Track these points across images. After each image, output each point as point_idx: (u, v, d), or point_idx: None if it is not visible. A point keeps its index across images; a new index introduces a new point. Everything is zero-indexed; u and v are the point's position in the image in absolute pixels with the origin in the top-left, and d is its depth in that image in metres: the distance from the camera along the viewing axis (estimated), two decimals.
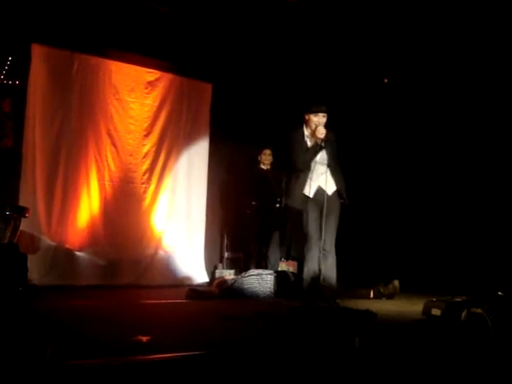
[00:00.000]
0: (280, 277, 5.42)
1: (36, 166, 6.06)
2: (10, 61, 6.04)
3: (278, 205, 6.95)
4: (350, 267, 6.70)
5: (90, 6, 6.09)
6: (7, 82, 6.05)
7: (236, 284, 5.31)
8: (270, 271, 5.56)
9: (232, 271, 6.95)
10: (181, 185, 7.03)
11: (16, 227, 5.29)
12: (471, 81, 6.53)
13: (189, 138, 7.10)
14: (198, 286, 6.57)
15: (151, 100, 6.87)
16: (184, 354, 2.54)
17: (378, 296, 5.68)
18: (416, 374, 2.75)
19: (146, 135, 6.80)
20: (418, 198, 7.19)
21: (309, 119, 5.00)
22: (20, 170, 5.97)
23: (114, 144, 6.56)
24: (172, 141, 6.98)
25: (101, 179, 6.46)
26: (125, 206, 6.54)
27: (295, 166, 5.02)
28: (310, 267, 4.93)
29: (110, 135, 6.54)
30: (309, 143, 5.03)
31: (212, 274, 7.02)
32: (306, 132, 5.06)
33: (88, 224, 6.34)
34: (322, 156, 4.94)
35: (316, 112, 4.98)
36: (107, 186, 6.49)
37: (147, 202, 6.76)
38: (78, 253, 6.21)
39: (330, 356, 2.78)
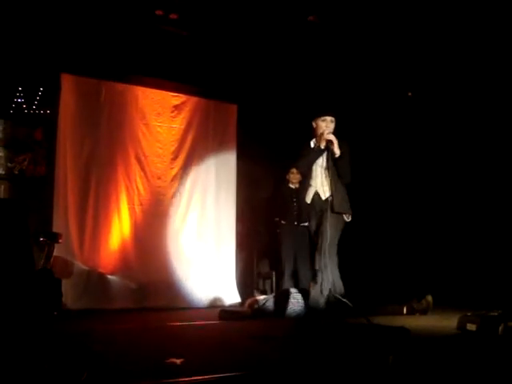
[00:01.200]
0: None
1: (68, 193, 6.18)
2: (40, 91, 6.22)
3: (307, 223, 6.93)
4: (382, 283, 6.65)
5: (115, 35, 6.25)
6: (39, 111, 6.23)
7: (268, 304, 5.29)
8: (301, 290, 5.52)
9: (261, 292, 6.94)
10: (210, 206, 7.08)
11: (50, 253, 5.39)
12: (477, 86, 6.52)
13: (216, 160, 7.16)
14: (230, 306, 6.56)
15: (178, 123, 6.98)
16: (217, 375, 2.54)
17: (411, 312, 5.60)
18: None
19: (174, 158, 6.89)
20: (447, 211, 7.10)
21: (317, 126, 4.76)
22: (53, 196, 6.09)
23: (142, 168, 6.66)
24: (199, 163, 7.05)
25: (131, 203, 6.55)
26: (155, 228, 6.61)
27: (298, 171, 4.96)
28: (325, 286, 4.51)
29: (138, 159, 6.64)
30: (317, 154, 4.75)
31: (246, 295, 6.97)
32: (314, 140, 4.77)
33: (119, 248, 6.41)
34: (323, 160, 4.68)
35: (323, 116, 4.73)
36: (137, 210, 6.57)
37: (177, 224, 6.82)
38: (110, 276, 6.28)
39: (364, 373, 2.75)
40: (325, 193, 4.62)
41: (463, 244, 6.83)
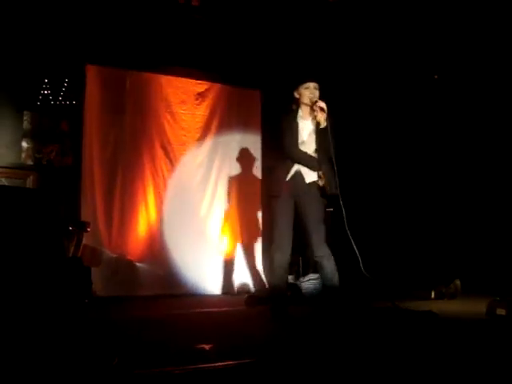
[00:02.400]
0: None
1: (95, 182, 6.26)
2: (66, 83, 6.29)
3: (331, 208, 6.90)
4: (410, 268, 6.61)
5: (138, 25, 6.28)
6: (65, 102, 6.30)
7: (294, 289, 5.31)
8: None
9: (291, 276, 6.94)
10: (235, 192, 7.10)
11: (79, 241, 5.48)
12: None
13: (241, 146, 7.16)
14: (257, 292, 6.60)
15: (202, 111, 7.00)
16: (245, 361, 2.57)
17: (439, 296, 5.57)
18: (483, 375, 2.69)
19: (199, 146, 6.92)
20: (474, 196, 7.01)
21: (300, 95, 4.29)
22: (80, 186, 6.17)
23: (168, 156, 6.70)
24: (224, 150, 7.06)
25: (157, 191, 6.60)
26: (181, 215, 6.65)
27: (285, 151, 4.24)
28: (278, 275, 4.22)
29: (163, 148, 6.69)
30: (302, 124, 4.29)
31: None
32: (301, 112, 4.32)
33: (146, 235, 6.48)
34: (311, 138, 4.25)
35: (306, 83, 4.28)
36: (163, 198, 6.63)
37: (203, 211, 6.86)
38: (138, 264, 6.36)
39: (389, 357, 2.75)
40: (310, 177, 4.19)
41: (492, 228, 6.75)
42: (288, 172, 4.18)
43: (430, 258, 7.00)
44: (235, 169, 7.11)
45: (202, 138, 6.96)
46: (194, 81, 6.98)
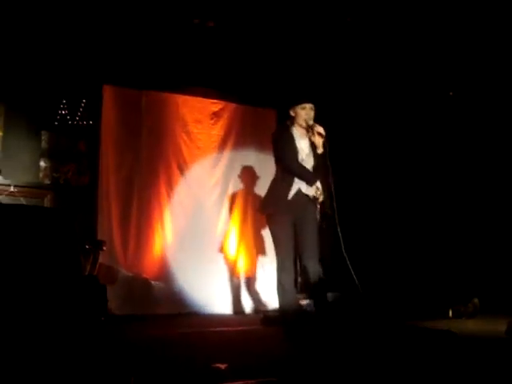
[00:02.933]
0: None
1: (111, 201, 6.30)
2: (83, 103, 6.39)
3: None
4: (427, 286, 6.53)
5: (154, 45, 6.37)
6: (82, 123, 6.39)
7: (310, 308, 5.27)
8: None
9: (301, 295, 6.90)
10: (251, 211, 7.09)
11: (95, 260, 5.51)
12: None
13: (256, 166, 7.16)
14: (273, 311, 6.56)
15: (217, 130, 7.04)
16: (260, 380, 2.55)
17: (457, 315, 5.49)
18: None
19: (214, 165, 6.95)
20: (492, 212, 6.94)
21: (296, 115, 4.32)
22: (96, 205, 6.22)
23: (183, 175, 6.73)
24: (240, 169, 7.08)
25: (173, 210, 6.62)
26: (197, 235, 6.66)
27: (285, 164, 4.31)
28: (287, 295, 4.19)
29: (179, 167, 6.72)
30: (298, 143, 4.32)
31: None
32: (296, 131, 4.36)
33: (162, 254, 6.49)
34: (308, 158, 4.28)
35: (302, 103, 4.30)
36: (179, 217, 6.65)
37: (219, 230, 6.86)
38: (153, 282, 6.36)
39: (408, 377, 2.72)
40: (310, 193, 4.22)
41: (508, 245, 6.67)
42: (289, 189, 4.19)
43: (447, 275, 6.92)
44: (251, 188, 7.12)
45: (218, 157, 7.00)
46: (209, 100, 7.03)
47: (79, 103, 6.39)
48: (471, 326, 4.79)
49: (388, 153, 7.47)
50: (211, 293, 6.57)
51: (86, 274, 5.25)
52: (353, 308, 5.06)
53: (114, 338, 4.26)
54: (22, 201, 5.67)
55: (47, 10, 5.73)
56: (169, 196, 6.63)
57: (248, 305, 6.76)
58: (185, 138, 6.81)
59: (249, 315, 6.42)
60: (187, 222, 6.67)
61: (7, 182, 5.66)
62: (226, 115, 7.11)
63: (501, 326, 4.11)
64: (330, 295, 5.35)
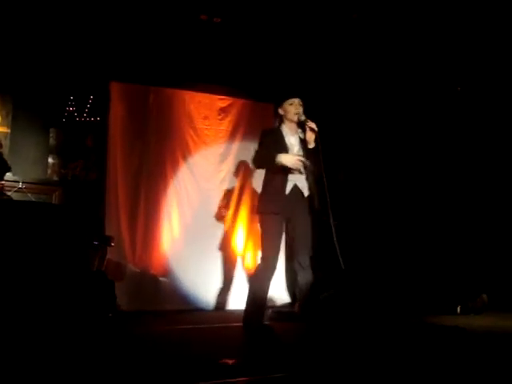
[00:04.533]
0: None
1: (119, 197, 6.31)
2: (91, 100, 6.41)
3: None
4: (435, 282, 6.51)
5: (161, 42, 6.37)
6: (89, 119, 6.41)
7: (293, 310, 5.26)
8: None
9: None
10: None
11: (103, 256, 5.53)
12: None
13: None
14: (281, 307, 6.56)
15: (225, 126, 7.04)
16: (268, 376, 2.56)
17: (465, 311, 5.47)
18: None
19: (222, 161, 6.95)
20: (500, 208, 6.91)
21: (285, 112, 4.21)
22: (104, 200, 6.24)
23: (191, 171, 6.74)
24: (247, 165, 7.07)
25: (180, 206, 6.64)
26: (205, 230, 6.66)
27: (255, 165, 4.35)
28: (257, 293, 4.12)
29: (187, 163, 6.73)
30: (288, 139, 4.22)
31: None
32: (286, 128, 4.26)
33: (170, 250, 6.50)
34: (300, 153, 4.17)
35: (290, 99, 4.20)
36: (187, 212, 6.66)
37: (226, 226, 6.86)
38: (161, 278, 6.38)
39: (418, 373, 2.71)
40: (306, 191, 4.11)
41: None
42: (284, 187, 4.07)
43: (456, 271, 6.90)
44: (258, 184, 7.11)
45: (225, 153, 7.00)
46: (216, 96, 7.03)
47: (87, 100, 6.41)
48: (479, 321, 4.76)
49: (393, 148, 7.44)
50: (219, 288, 6.59)
51: (95, 269, 5.27)
52: (347, 305, 5.02)
53: (123, 333, 4.28)
54: (31, 197, 5.70)
55: (54, 8, 5.74)
56: (176, 192, 6.64)
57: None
58: (192, 133, 6.81)
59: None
60: (195, 218, 6.67)
61: (16, 178, 5.69)
62: (233, 111, 7.10)
63: (510, 322, 4.09)
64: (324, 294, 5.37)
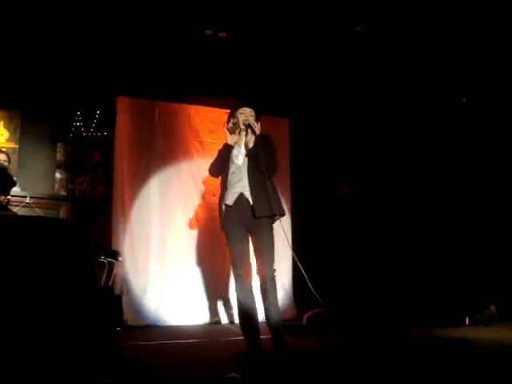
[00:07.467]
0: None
1: (125, 211, 6.33)
2: (98, 114, 6.46)
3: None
4: (443, 293, 6.49)
5: (167, 57, 6.44)
6: (96, 134, 6.46)
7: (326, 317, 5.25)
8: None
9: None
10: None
11: (110, 271, 5.55)
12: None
13: None
14: (288, 320, 6.53)
15: None
16: None
17: (473, 323, 5.44)
18: None
19: None
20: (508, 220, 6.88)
21: (236, 120, 4.32)
22: (111, 215, 6.26)
23: (197, 185, 6.75)
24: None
25: (186, 220, 6.64)
26: (211, 244, 6.64)
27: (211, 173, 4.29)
28: (243, 305, 4.06)
29: (193, 177, 6.74)
30: (235, 152, 4.20)
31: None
32: (233, 134, 4.32)
33: (177, 264, 6.50)
34: (246, 163, 4.10)
35: (241, 108, 4.33)
36: (193, 226, 6.67)
37: None
38: (168, 293, 6.37)
39: None
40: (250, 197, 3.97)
41: None
42: (231, 198, 4.00)
43: (464, 282, 6.86)
44: None
45: None
46: (222, 110, 7.05)
47: (93, 114, 6.46)
48: (488, 333, 4.73)
49: (399, 159, 7.45)
50: (226, 302, 6.56)
51: (101, 284, 5.28)
52: (339, 322, 5.00)
53: (130, 347, 4.28)
54: (38, 212, 5.72)
55: (62, 24, 5.81)
56: (182, 206, 6.64)
57: (264, 313, 6.71)
58: (198, 147, 6.84)
59: (263, 323, 6.39)
60: (201, 232, 6.67)
61: (23, 193, 5.72)
62: None
63: None
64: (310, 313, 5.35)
